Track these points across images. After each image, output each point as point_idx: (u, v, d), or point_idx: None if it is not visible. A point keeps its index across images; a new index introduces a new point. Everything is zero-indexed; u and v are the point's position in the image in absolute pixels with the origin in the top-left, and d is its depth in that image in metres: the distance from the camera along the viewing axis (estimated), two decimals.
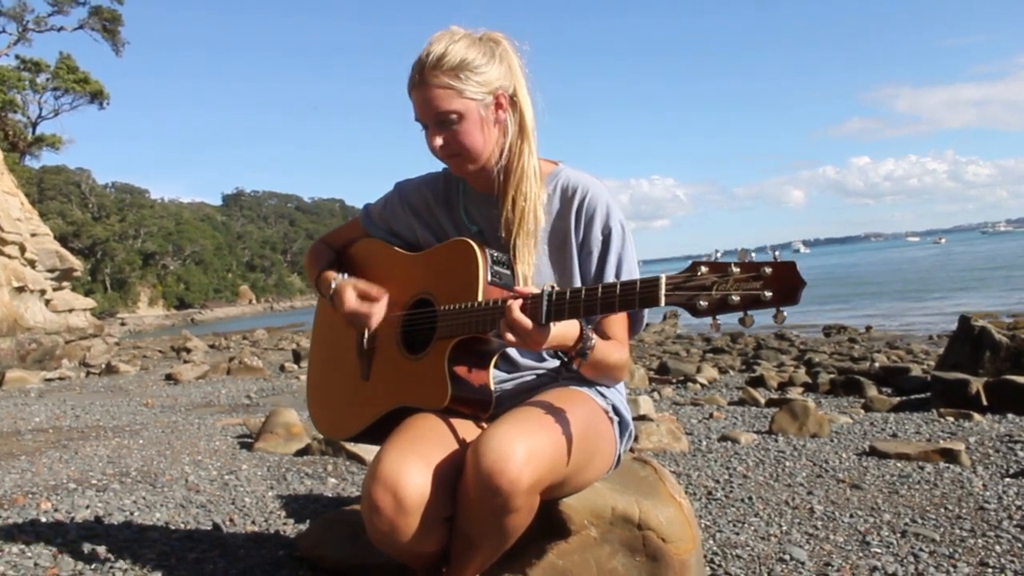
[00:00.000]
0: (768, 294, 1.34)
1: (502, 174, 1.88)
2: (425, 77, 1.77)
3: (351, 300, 1.94)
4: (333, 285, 2.00)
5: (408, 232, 2.06)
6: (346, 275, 2.02)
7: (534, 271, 1.89)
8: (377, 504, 1.63)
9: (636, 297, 1.48)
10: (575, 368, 1.77)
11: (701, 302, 1.38)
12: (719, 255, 1.41)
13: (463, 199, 2.00)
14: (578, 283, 1.90)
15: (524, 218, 1.86)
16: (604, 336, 1.82)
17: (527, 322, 1.59)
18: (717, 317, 1.40)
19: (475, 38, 1.82)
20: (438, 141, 1.81)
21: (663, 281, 1.43)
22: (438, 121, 1.79)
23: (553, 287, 1.60)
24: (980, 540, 2.63)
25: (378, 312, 1.94)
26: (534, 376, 1.96)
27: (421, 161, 1.91)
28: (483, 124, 1.82)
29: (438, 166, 2.06)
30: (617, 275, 1.87)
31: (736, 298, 1.36)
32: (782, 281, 1.33)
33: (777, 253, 1.36)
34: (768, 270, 1.34)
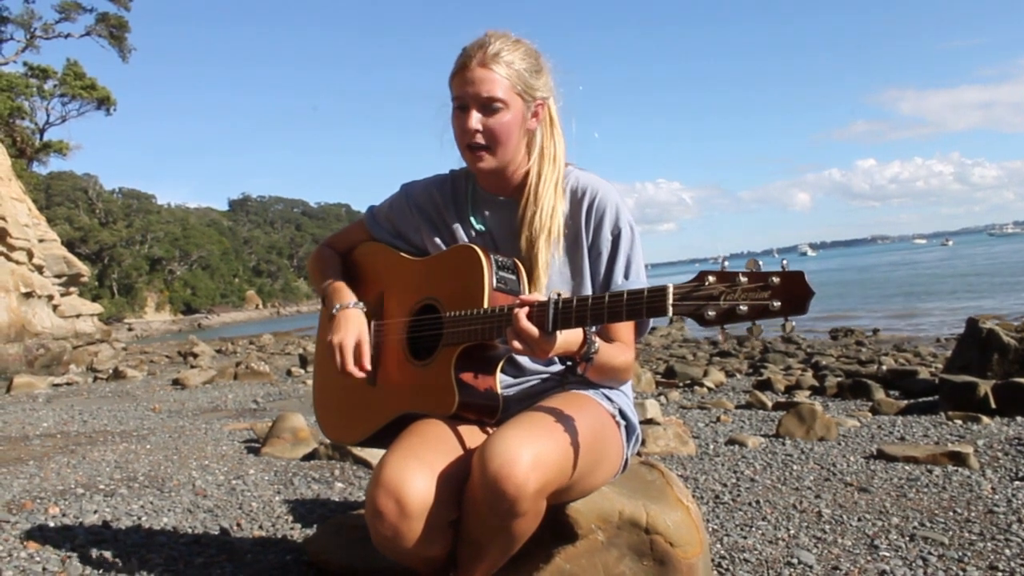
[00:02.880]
0: (776, 304, 1.33)
1: (533, 179, 1.90)
2: (486, 60, 1.80)
3: (349, 340, 1.92)
4: (350, 305, 1.99)
5: (414, 233, 2.06)
6: (363, 306, 2.01)
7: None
8: (380, 509, 1.63)
9: (643, 306, 1.47)
10: (580, 372, 1.77)
11: (709, 312, 1.37)
12: (725, 262, 1.40)
13: (471, 199, 2.01)
14: (589, 283, 1.91)
15: (552, 226, 1.87)
16: (609, 338, 1.83)
17: (534, 330, 1.59)
18: (725, 327, 1.39)
19: (530, 47, 1.88)
20: (476, 123, 1.82)
21: (670, 291, 1.42)
22: (483, 105, 1.81)
23: (560, 295, 1.60)
24: (989, 543, 2.62)
25: (353, 372, 1.91)
26: (540, 380, 1.96)
27: (426, 166, 1.93)
28: (522, 124, 1.86)
29: (443, 170, 2.08)
30: (626, 276, 1.88)
31: (744, 308, 1.35)
32: (790, 291, 1.33)
33: (785, 262, 1.35)
34: (776, 280, 1.33)
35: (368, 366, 1.93)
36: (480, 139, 1.83)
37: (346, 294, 2.03)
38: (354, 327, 1.95)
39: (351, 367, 1.91)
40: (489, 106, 1.81)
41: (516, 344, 1.62)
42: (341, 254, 2.20)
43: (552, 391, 1.92)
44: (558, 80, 1.95)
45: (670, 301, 1.42)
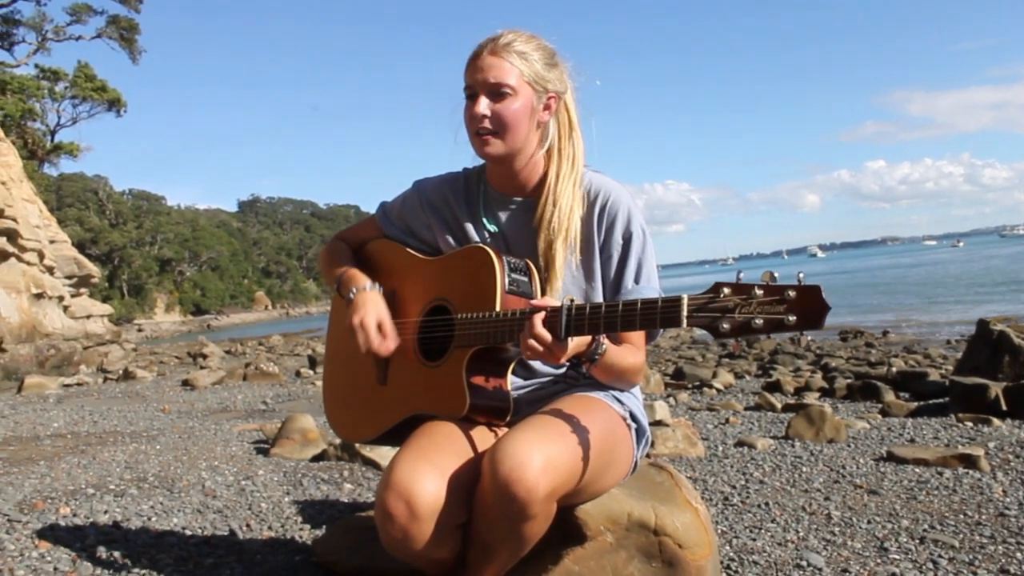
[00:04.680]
0: (792, 318, 1.32)
1: (552, 180, 1.89)
2: (496, 48, 1.82)
3: (371, 318, 1.91)
4: (366, 288, 1.96)
5: (425, 230, 2.06)
6: (380, 287, 2.00)
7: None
8: (390, 511, 1.64)
9: (657, 317, 1.47)
10: (585, 372, 1.77)
11: (724, 325, 1.37)
12: (741, 274, 1.39)
13: (483, 198, 2.00)
14: (600, 287, 1.91)
15: (570, 227, 1.87)
16: (619, 340, 1.82)
17: (547, 336, 1.59)
18: (739, 339, 1.39)
19: (545, 43, 1.89)
20: (484, 108, 1.82)
21: (685, 302, 1.42)
22: (492, 91, 1.82)
23: (573, 301, 1.59)
24: (1000, 547, 2.61)
25: (379, 348, 1.90)
26: (551, 382, 1.96)
27: (437, 167, 1.93)
28: (531, 114, 1.85)
29: (456, 168, 2.08)
30: (636, 280, 1.87)
31: (759, 322, 1.34)
32: (806, 305, 1.32)
33: (801, 275, 1.34)
34: (792, 294, 1.32)
35: (394, 340, 1.92)
36: (488, 124, 1.83)
37: (362, 278, 2.00)
38: (373, 307, 1.93)
39: (376, 346, 1.89)
40: (497, 92, 1.82)
41: (530, 352, 1.62)
42: (353, 249, 2.20)
43: (562, 393, 1.92)
44: (578, 84, 1.95)
45: (684, 313, 1.42)
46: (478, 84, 1.83)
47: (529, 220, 1.91)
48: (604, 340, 1.70)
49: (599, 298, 1.90)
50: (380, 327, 1.92)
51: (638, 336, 1.85)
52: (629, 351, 1.82)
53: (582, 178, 1.93)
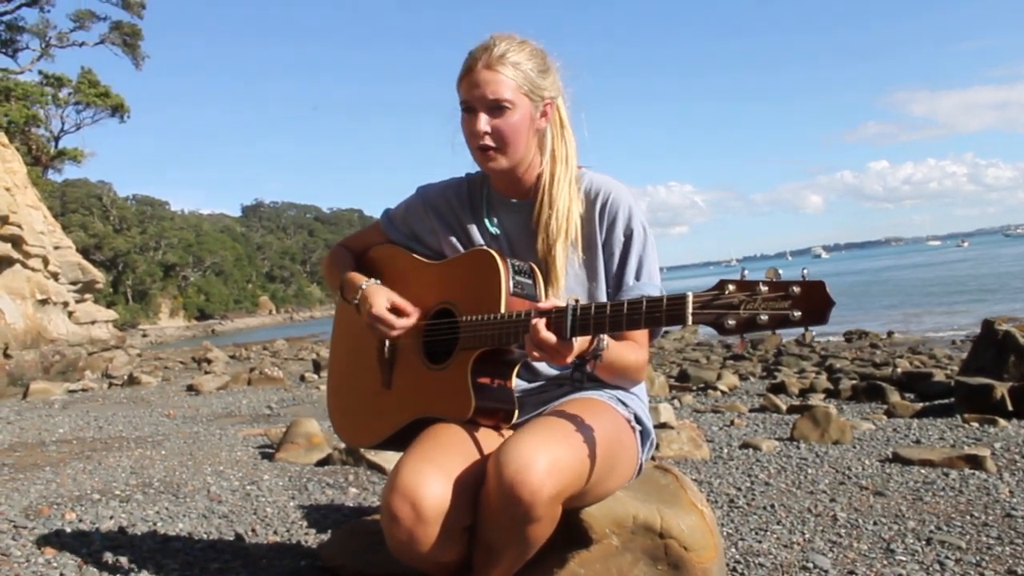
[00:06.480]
0: (797, 314, 1.32)
1: (546, 181, 1.90)
2: (491, 62, 1.81)
3: (380, 305, 1.92)
4: (364, 286, 1.98)
5: (430, 236, 2.06)
6: (377, 281, 2.01)
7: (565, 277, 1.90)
8: (396, 514, 1.64)
9: (663, 314, 1.47)
10: (589, 370, 1.77)
11: (729, 321, 1.37)
12: (745, 271, 1.39)
13: (487, 202, 2.01)
14: (604, 285, 1.91)
15: (569, 227, 1.87)
16: (622, 336, 1.82)
17: (552, 339, 1.59)
18: (744, 336, 1.39)
19: (536, 47, 1.88)
20: (484, 125, 1.82)
21: (690, 299, 1.42)
22: (490, 107, 1.82)
23: (577, 301, 1.59)
24: (1008, 548, 2.60)
25: (403, 325, 1.92)
26: (555, 385, 1.96)
27: (440, 171, 1.93)
28: (530, 124, 1.86)
29: (457, 173, 2.08)
30: (637, 276, 1.88)
31: (764, 317, 1.34)
32: (811, 301, 1.32)
33: (805, 271, 1.34)
34: (797, 289, 1.33)
35: (414, 312, 1.93)
36: (489, 140, 1.84)
37: (360, 278, 2.02)
38: (380, 295, 1.94)
39: (400, 325, 1.90)
40: (496, 107, 1.82)
41: (535, 353, 1.62)
42: (356, 255, 2.20)
43: (566, 395, 1.92)
44: (566, 80, 1.96)
45: (690, 310, 1.42)
46: (475, 100, 1.83)
47: (530, 221, 1.92)
48: (605, 336, 1.70)
49: (603, 296, 1.91)
50: (394, 309, 1.93)
51: (641, 333, 1.85)
52: (631, 348, 1.82)
53: (580, 178, 1.94)
